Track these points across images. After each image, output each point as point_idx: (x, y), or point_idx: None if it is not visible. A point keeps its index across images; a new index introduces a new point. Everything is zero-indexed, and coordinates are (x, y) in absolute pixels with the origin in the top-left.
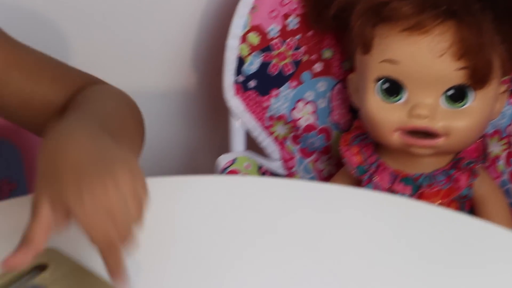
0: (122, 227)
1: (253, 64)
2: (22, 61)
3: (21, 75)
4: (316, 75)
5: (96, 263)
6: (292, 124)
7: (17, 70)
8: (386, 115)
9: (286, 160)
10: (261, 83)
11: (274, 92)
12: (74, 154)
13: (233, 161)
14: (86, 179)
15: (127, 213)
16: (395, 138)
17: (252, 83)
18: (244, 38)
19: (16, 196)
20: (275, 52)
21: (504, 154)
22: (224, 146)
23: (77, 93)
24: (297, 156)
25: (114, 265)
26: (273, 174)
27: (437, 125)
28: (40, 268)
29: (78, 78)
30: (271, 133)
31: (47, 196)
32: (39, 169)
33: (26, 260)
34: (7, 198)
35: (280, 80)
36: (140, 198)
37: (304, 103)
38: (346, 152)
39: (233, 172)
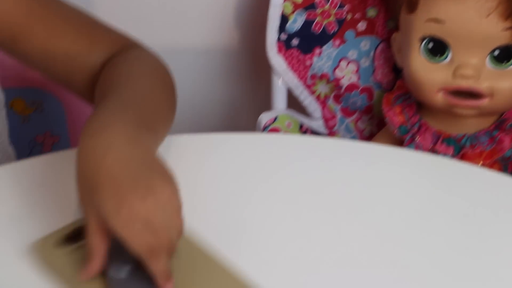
0: (162, 235)
1: (296, 22)
2: (58, 19)
3: (58, 34)
4: (359, 34)
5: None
6: (334, 83)
7: (55, 29)
8: (430, 75)
9: (328, 119)
10: (304, 41)
11: (317, 51)
12: (113, 168)
13: (274, 119)
14: (124, 193)
15: (167, 222)
16: (439, 99)
17: (295, 41)
18: None
19: (59, 149)
20: (318, 10)
21: None
22: (266, 104)
23: (114, 55)
24: (339, 115)
25: (159, 273)
26: (314, 133)
27: (481, 85)
28: None
29: (116, 39)
30: (313, 92)
31: (92, 212)
32: (78, 180)
33: (95, 270)
34: (50, 151)
35: (323, 38)
36: (178, 208)
37: (347, 62)
38: (388, 111)
39: (274, 130)
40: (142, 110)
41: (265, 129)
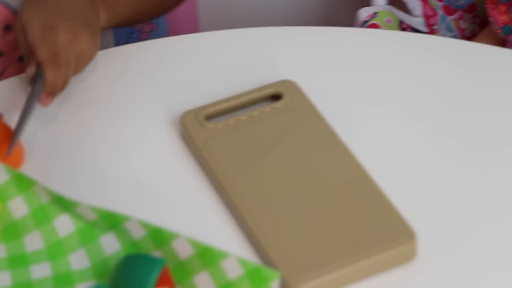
0: (66, 50)
1: None
2: None
3: None
4: None
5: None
6: None
7: None
8: None
9: (428, 17)
10: None
11: None
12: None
13: (374, 15)
14: (55, 20)
15: (74, 46)
16: None
17: None
18: None
19: (156, 37)
20: None
21: None
22: None
23: None
24: (440, 13)
25: (48, 83)
26: (414, 30)
27: None
28: (276, 97)
29: None
30: None
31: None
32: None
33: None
34: (147, 38)
35: None
36: (84, 51)
37: None
38: (492, 10)
39: (373, 26)
40: None
41: (363, 24)
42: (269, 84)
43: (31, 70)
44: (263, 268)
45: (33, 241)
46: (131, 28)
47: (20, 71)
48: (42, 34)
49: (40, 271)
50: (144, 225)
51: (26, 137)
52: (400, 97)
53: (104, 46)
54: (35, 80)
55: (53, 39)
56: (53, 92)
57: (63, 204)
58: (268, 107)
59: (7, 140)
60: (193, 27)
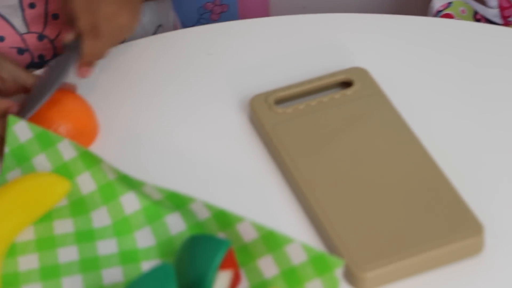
0: (106, 24)
1: None
2: None
3: None
4: None
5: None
6: None
7: None
8: None
9: (504, 8)
10: None
11: None
12: None
13: (448, 5)
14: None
15: (115, 22)
16: None
17: None
18: None
19: (226, 19)
20: None
21: None
22: None
23: None
24: None
25: (86, 54)
26: (488, 21)
27: None
28: (346, 84)
29: None
30: None
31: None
32: None
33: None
34: (217, 20)
35: None
36: (126, 27)
37: None
38: None
39: (447, 16)
40: None
41: (437, 14)
42: (340, 70)
43: (69, 36)
44: (327, 255)
45: (100, 217)
46: (202, 9)
47: None
48: (86, 5)
49: (107, 247)
50: (209, 207)
51: (100, 115)
52: (473, 90)
53: (164, 23)
54: (70, 49)
55: (96, 11)
56: (89, 63)
57: (129, 182)
58: (338, 94)
59: (84, 113)
60: (264, 11)
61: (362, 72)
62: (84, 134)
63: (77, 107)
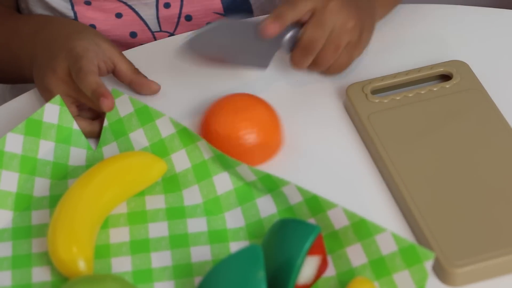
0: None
1: None
2: None
3: None
4: None
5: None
6: None
7: None
8: None
9: None
10: None
11: None
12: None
13: None
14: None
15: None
16: None
17: None
18: None
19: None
20: None
21: None
22: None
23: None
24: None
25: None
26: None
27: None
28: (445, 77)
29: None
30: None
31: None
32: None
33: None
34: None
35: None
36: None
37: None
38: None
39: None
40: None
41: None
42: (440, 63)
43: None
44: (418, 247)
45: (192, 195)
46: None
47: None
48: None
49: (196, 225)
50: (302, 191)
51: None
52: None
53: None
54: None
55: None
56: (305, 49)
57: (224, 162)
58: (437, 87)
59: (273, 124)
60: None
61: (462, 66)
62: (270, 146)
63: (268, 117)
